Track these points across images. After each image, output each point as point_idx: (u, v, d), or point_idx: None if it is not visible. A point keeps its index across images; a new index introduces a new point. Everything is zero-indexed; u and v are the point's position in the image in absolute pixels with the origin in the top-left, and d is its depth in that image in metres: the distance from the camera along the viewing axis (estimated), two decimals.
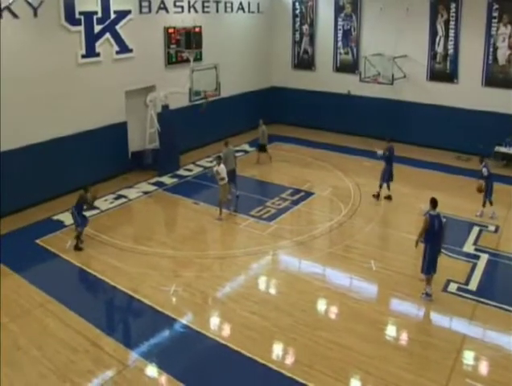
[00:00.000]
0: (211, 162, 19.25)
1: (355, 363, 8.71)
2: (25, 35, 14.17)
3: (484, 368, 8.78)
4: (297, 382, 8.26)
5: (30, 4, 14.16)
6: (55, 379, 8.37)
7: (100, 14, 16.13)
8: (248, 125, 23.03)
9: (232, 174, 15.06)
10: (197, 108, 18.12)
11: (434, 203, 10.16)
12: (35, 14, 14.32)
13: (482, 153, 15.05)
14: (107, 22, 16.42)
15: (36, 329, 9.66)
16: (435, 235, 10.13)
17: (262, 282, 11.56)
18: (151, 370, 8.67)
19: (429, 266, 10.22)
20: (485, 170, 14.16)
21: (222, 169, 14.19)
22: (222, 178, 14.18)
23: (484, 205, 14.42)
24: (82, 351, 9.01)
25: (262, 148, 19.14)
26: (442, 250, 10.71)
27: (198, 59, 19.42)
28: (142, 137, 18.38)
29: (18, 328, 9.63)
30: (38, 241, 13.03)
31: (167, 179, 17.55)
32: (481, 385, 8.23)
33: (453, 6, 19.53)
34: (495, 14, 18.77)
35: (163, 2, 18.41)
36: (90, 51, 16.05)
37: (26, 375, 8.48)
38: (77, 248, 12.58)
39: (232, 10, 21.79)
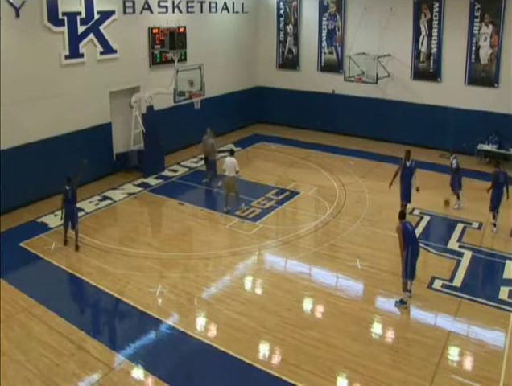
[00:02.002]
0: (196, 162, 19.25)
1: (343, 362, 8.73)
2: (7, 36, 13.97)
3: (469, 364, 8.86)
4: (285, 382, 8.26)
5: (11, 4, 14.01)
6: (39, 383, 8.28)
7: (83, 15, 16.01)
8: (233, 125, 23.17)
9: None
10: (184, 108, 18.26)
11: (402, 215, 10.42)
12: (17, 15, 14.18)
13: (453, 148, 15.30)
14: (91, 23, 16.30)
15: (20, 333, 9.55)
16: (412, 237, 10.23)
17: (247, 282, 11.54)
18: (137, 372, 8.62)
19: (411, 270, 10.19)
20: (454, 162, 14.60)
21: (227, 161, 14.68)
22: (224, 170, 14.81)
23: (458, 197, 14.86)
24: (67, 355, 8.93)
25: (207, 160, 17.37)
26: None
27: (182, 59, 19.40)
28: (127, 138, 18.26)
29: (1, 333, 9.49)
30: (22, 244, 12.89)
31: (152, 180, 17.47)
32: (467, 381, 8.31)
33: (436, 5, 19.72)
34: (477, 13, 18.99)
35: (147, 3, 18.32)
36: (74, 52, 15.93)
37: (11, 380, 8.36)
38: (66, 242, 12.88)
39: (216, 10, 21.75)
